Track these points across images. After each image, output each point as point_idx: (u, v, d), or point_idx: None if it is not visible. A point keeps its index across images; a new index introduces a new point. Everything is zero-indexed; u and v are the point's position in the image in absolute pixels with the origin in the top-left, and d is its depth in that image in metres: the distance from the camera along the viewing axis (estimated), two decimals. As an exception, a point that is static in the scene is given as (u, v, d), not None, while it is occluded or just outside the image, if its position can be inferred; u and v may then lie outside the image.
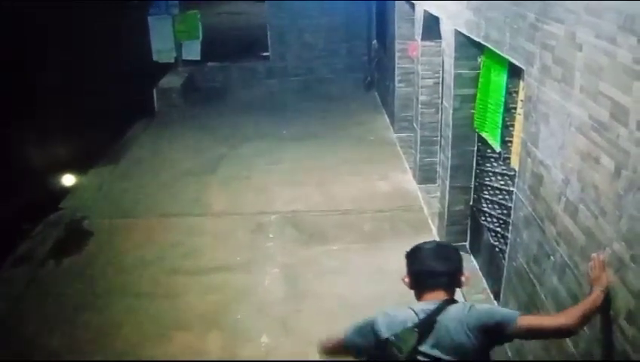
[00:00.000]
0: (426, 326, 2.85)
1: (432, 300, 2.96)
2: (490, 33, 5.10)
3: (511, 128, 5.41)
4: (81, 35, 10.70)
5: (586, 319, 2.97)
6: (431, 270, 3.02)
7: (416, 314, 2.90)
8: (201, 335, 6.16)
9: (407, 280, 3.13)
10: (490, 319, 2.86)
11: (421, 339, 2.82)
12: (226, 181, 9.91)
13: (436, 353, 2.81)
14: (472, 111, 6.51)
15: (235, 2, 24.00)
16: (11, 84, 8.28)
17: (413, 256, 3.13)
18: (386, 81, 12.48)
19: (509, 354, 4.89)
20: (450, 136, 6.82)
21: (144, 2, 15.00)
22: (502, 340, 2.99)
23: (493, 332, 2.85)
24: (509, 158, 5.55)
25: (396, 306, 3.04)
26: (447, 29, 6.67)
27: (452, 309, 2.89)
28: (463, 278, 3.07)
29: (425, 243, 3.20)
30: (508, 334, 2.87)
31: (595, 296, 3.05)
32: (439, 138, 8.20)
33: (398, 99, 11.08)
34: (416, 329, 2.84)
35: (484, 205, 6.60)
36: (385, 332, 2.91)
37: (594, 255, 3.23)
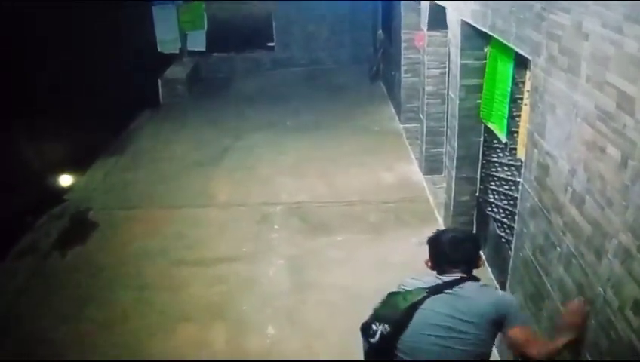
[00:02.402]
0: (436, 289, 3.22)
1: (450, 275, 3.30)
2: (496, 23, 5.07)
3: (517, 119, 5.39)
4: (83, 26, 10.67)
5: (552, 357, 3.24)
6: (449, 258, 3.34)
7: (434, 280, 3.30)
8: (206, 326, 6.16)
9: (429, 264, 3.47)
10: (505, 308, 3.21)
11: (426, 298, 3.19)
12: (230, 172, 9.91)
13: (450, 311, 3.14)
14: (479, 101, 6.49)
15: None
16: (13, 74, 8.25)
17: (434, 243, 3.45)
18: (392, 71, 12.45)
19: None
20: (456, 127, 6.80)
21: (148, -8, 15.00)
22: (499, 330, 3.25)
23: (501, 320, 3.18)
24: (515, 149, 5.53)
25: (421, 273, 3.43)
26: (453, 19, 6.64)
27: (477, 284, 3.29)
28: (479, 261, 3.42)
29: (445, 230, 3.63)
30: (505, 328, 3.20)
31: (567, 340, 3.30)
32: (445, 128, 8.17)
33: (403, 90, 11.07)
34: (426, 290, 3.22)
35: (491, 196, 6.58)
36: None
37: (575, 300, 3.46)
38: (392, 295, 3.33)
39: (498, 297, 3.27)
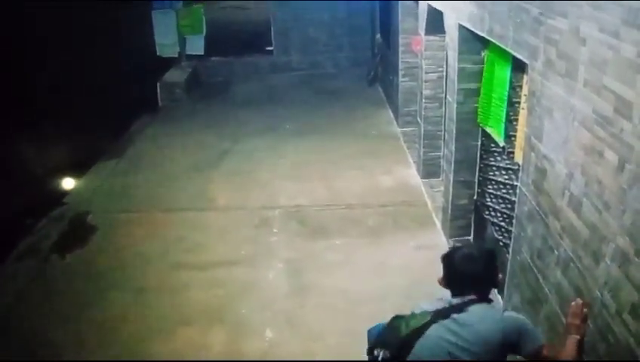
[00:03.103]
0: (440, 314, 3.03)
1: (460, 297, 3.12)
2: (494, 27, 5.09)
3: (515, 122, 5.41)
4: (83, 29, 10.69)
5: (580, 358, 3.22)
6: (461, 277, 3.15)
7: (441, 303, 3.12)
8: (205, 329, 6.17)
9: (442, 282, 3.26)
10: (516, 333, 3.03)
11: (430, 323, 3.02)
12: (229, 176, 9.92)
13: (452, 339, 2.97)
14: (476, 105, 6.51)
15: (239, -3, 24.02)
16: (15, 78, 8.27)
17: (447, 261, 3.23)
18: (390, 75, 12.46)
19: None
20: (454, 131, 6.81)
21: (148, -3, 15.02)
22: (515, 352, 3.10)
23: (513, 343, 3.02)
24: (512, 153, 5.54)
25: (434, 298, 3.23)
26: (450, 23, 6.66)
27: (483, 308, 3.08)
28: (497, 279, 3.23)
29: (460, 247, 3.33)
30: (524, 352, 3.04)
31: (575, 344, 3.24)
32: (443, 132, 8.18)
33: (401, 94, 11.08)
34: (430, 313, 3.05)
35: (488, 199, 6.60)
36: None
37: (573, 303, 3.40)
38: (396, 319, 3.19)
39: (506, 323, 3.03)
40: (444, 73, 7.94)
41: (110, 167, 10.59)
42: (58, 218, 8.65)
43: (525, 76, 4.75)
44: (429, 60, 8.43)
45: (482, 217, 6.80)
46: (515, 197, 5.02)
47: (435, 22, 7.62)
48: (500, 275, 3.24)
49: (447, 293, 3.21)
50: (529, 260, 4.47)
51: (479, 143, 6.76)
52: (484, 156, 6.69)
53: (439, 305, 3.12)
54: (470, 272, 3.13)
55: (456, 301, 3.10)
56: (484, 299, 3.14)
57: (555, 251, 3.90)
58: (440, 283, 3.26)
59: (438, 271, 3.31)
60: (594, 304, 3.29)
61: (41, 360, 5.85)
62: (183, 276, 7.09)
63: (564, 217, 3.73)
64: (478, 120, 6.50)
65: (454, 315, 3.02)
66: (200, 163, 10.48)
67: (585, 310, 3.32)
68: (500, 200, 6.24)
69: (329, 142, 11.13)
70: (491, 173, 6.48)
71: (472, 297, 3.09)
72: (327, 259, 7.32)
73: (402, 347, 3.04)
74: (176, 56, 15.62)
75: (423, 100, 8.74)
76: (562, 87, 3.64)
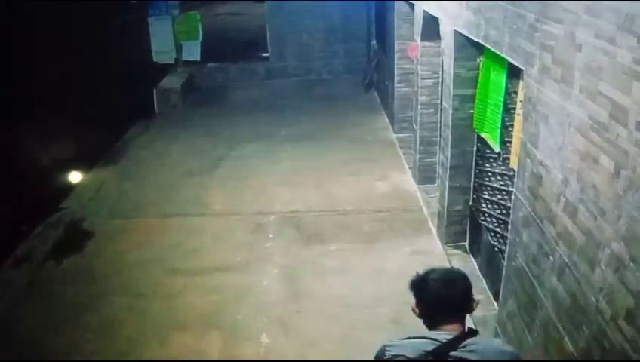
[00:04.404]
0: (438, 355, 2.66)
1: (449, 331, 2.74)
2: (489, 33, 5.11)
3: (510, 128, 5.42)
4: (80, 36, 10.71)
5: None
6: (443, 305, 2.79)
7: (435, 341, 2.71)
8: (201, 335, 6.15)
9: (417, 310, 2.87)
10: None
11: None
12: (225, 181, 9.91)
13: None
14: (472, 111, 6.52)
15: (235, 3, 24.01)
16: (11, 85, 8.27)
17: (422, 287, 2.84)
18: (386, 81, 12.49)
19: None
20: (449, 137, 6.82)
21: (144, 3, 15.01)
22: None
23: None
24: (508, 159, 5.56)
25: (406, 336, 2.83)
26: (446, 29, 6.68)
27: (483, 344, 2.71)
28: (474, 304, 2.84)
29: (431, 271, 2.88)
30: None
31: None
32: (439, 138, 8.20)
33: (397, 100, 11.09)
34: (430, 357, 2.67)
35: (484, 205, 6.60)
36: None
37: None
38: None
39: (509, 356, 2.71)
40: (440, 79, 7.95)
41: (106, 172, 10.57)
42: (54, 224, 8.63)
43: (521, 82, 4.76)
44: (424, 66, 8.44)
45: (478, 223, 6.80)
46: (511, 203, 5.02)
47: (431, 28, 7.64)
48: (475, 301, 2.85)
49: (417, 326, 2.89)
50: (524, 266, 4.47)
51: (475, 149, 6.77)
52: (480, 162, 6.70)
53: (424, 344, 2.72)
54: (452, 298, 2.77)
55: (444, 335, 2.70)
56: (464, 327, 2.80)
57: (551, 257, 3.90)
58: (414, 312, 2.88)
59: None
60: (589, 310, 3.30)
61: (39, 360, 5.86)
62: (178, 281, 7.08)
63: (559, 223, 3.73)
64: (474, 126, 6.51)
65: (453, 353, 2.63)
66: (196, 169, 10.47)
67: None
68: (496, 206, 6.25)
69: (325, 148, 11.14)
70: (487, 179, 6.49)
71: (461, 328, 2.76)
72: (323, 265, 7.32)
73: None
74: (173, 62, 15.62)
75: (419, 106, 8.74)
76: (558, 93, 3.65)
